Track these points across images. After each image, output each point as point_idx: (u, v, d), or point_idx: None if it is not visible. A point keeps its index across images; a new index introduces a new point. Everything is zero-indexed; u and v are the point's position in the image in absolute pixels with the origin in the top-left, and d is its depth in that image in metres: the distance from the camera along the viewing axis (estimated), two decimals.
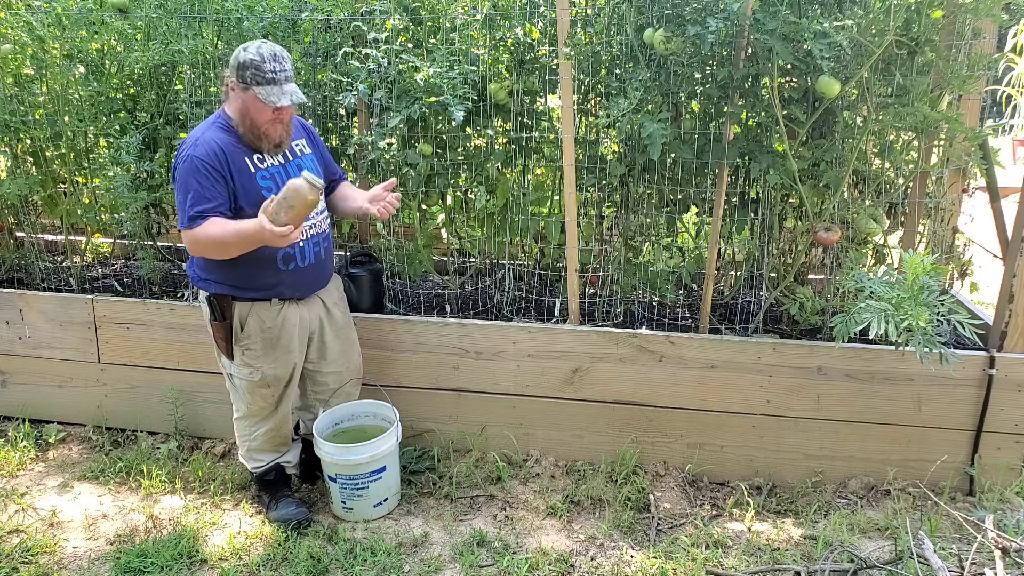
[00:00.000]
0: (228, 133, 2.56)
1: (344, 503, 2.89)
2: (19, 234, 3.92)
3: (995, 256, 3.21)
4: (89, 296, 3.44)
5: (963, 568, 2.13)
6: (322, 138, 2.99)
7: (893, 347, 2.74)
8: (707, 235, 3.18)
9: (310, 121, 3.30)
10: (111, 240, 4.16)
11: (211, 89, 3.33)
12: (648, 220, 3.29)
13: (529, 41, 3.16)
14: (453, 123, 2.91)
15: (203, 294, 2.71)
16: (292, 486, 3.06)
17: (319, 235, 2.74)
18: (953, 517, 2.71)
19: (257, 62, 2.44)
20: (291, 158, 2.69)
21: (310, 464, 3.11)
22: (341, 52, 3.04)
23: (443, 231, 3.63)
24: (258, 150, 2.60)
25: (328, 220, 2.82)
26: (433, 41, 3.12)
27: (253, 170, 2.57)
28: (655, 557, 2.65)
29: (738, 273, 3.49)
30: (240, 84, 2.49)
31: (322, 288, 2.86)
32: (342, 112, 3.39)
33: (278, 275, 2.65)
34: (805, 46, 2.62)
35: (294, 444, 3.02)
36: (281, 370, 2.77)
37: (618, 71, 3.04)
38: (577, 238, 3.10)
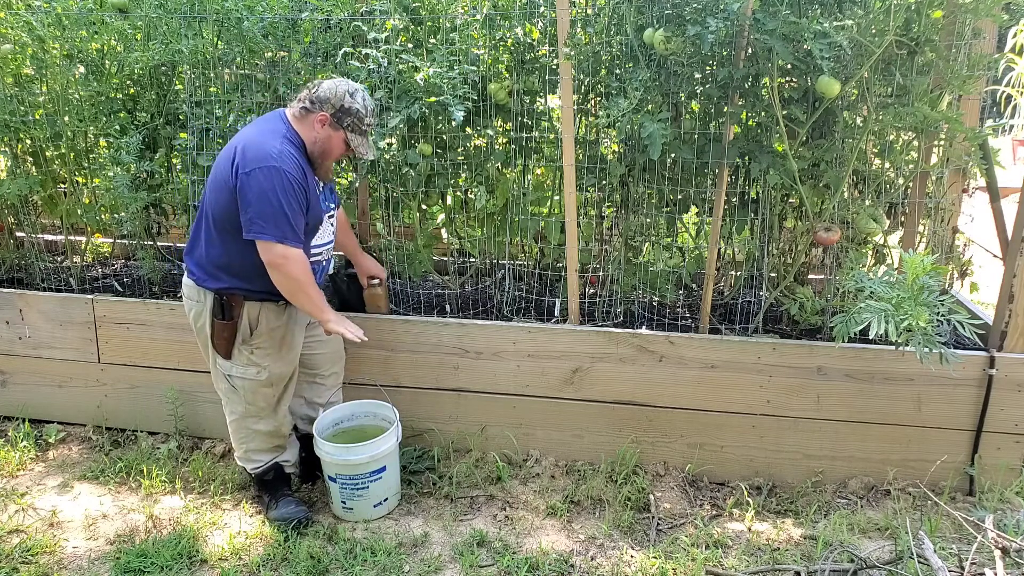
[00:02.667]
0: (301, 152, 2.61)
1: (344, 503, 2.89)
2: (19, 234, 3.92)
3: (995, 256, 3.21)
4: (89, 296, 3.44)
5: (963, 568, 2.13)
6: None
7: (893, 347, 2.74)
8: (707, 235, 3.18)
9: None
10: (111, 240, 4.16)
11: (211, 89, 3.33)
12: (648, 220, 3.29)
13: (529, 41, 3.16)
14: (453, 123, 2.91)
15: (202, 291, 2.71)
16: (292, 485, 3.07)
17: (331, 258, 2.93)
18: (953, 517, 2.71)
19: (362, 114, 2.62)
20: (326, 183, 2.83)
21: (310, 463, 3.11)
22: (341, 52, 3.04)
23: (443, 231, 3.63)
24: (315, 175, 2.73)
25: None
26: (433, 41, 3.12)
27: (317, 192, 2.70)
28: (655, 557, 2.65)
29: (738, 273, 3.49)
30: (334, 122, 2.60)
31: None
32: None
33: None
34: (805, 46, 2.62)
35: (292, 443, 3.03)
36: (286, 368, 2.82)
37: (618, 71, 3.04)
38: (577, 238, 3.10)
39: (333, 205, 2.85)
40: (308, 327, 2.95)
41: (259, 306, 2.70)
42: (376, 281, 3.24)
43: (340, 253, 3.52)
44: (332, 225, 2.84)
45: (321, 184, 2.75)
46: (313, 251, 2.73)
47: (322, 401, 3.07)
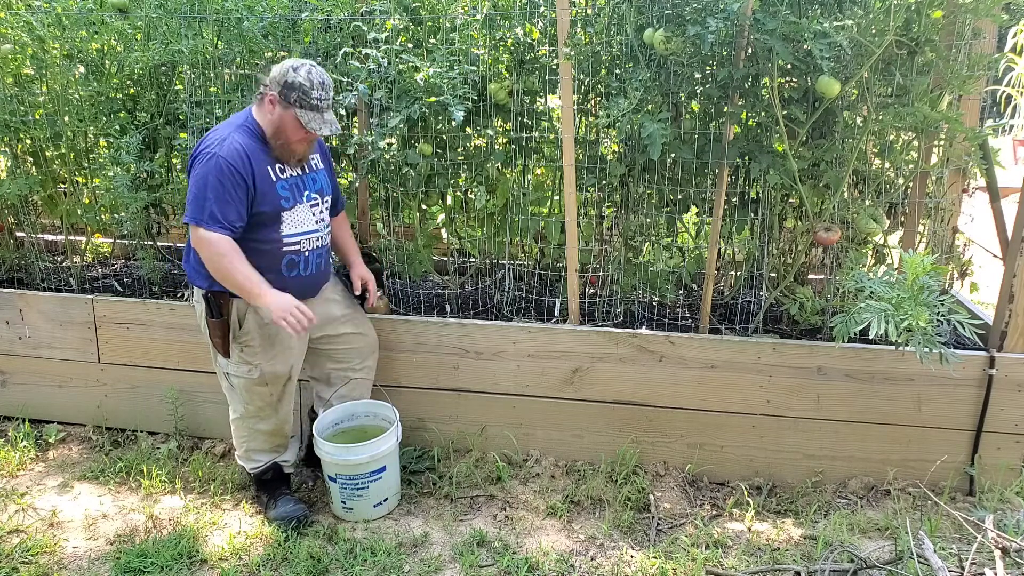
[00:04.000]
0: (254, 139, 2.62)
1: (344, 503, 2.89)
2: (19, 234, 3.91)
3: (995, 256, 3.21)
4: (89, 296, 3.45)
5: (963, 568, 2.13)
6: (322, 138, 3.01)
7: (893, 347, 2.74)
8: (707, 235, 3.18)
9: None
10: (111, 240, 4.15)
11: (211, 89, 3.33)
12: (648, 220, 3.29)
13: (529, 41, 3.16)
14: (453, 123, 2.91)
15: (199, 291, 2.73)
16: (291, 484, 3.06)
17: (322, 248, 2.85)
18: (953, 517, 2.71)
19: (306, 87, 2.53)
20: (307, 171, 2.78)
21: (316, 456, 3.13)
22: (341, 52, 3.04)
23: (443, 231, 3.63)
24: (280, 161, 2.67)
25: (329, 234, 2.90)
26: (433, 41, 3.12)
27: (274, 179, 2.65)
28: (655, 557, 2.65)
29: (738, 273, 3.49)
30: (282, 101, 2.55)
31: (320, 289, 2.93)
32: (342, 112, 3.39)
33: (280, 279, 2.69)
34: (805, 46, 2.62)
35: (292, 442, 3.03)
36: (280, 367, 2.79)
37: (618, 71, 3.04)
38: (577, 238, 3.10)
39: (314, 194, 2.76)
40: (334, 323, 2.93)
41: (246, 304, 2.69)
42: (378, 293, 3.25)
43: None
44: (315, 215, 2.77)
45: (293, 170, 2.69)
46: (286, 240, 2.69)
47: (356, 396, 3.06)
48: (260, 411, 2.83)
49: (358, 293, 3.05)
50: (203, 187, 2.50)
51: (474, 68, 3.04)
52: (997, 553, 2.04)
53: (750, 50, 2.81)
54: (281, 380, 2.82)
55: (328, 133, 2.61)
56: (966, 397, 2.89)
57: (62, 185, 3.77)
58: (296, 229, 2.71)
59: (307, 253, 2.76)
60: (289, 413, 2.92)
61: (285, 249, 2.70)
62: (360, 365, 3.06)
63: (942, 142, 3.04)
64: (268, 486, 2.95)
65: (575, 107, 3.05)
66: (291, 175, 2.70)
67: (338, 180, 3.16)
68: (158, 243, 3.83)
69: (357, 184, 3.39)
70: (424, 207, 3.49)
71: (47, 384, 3.58)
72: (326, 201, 2.85)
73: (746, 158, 2.98)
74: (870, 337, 2.41)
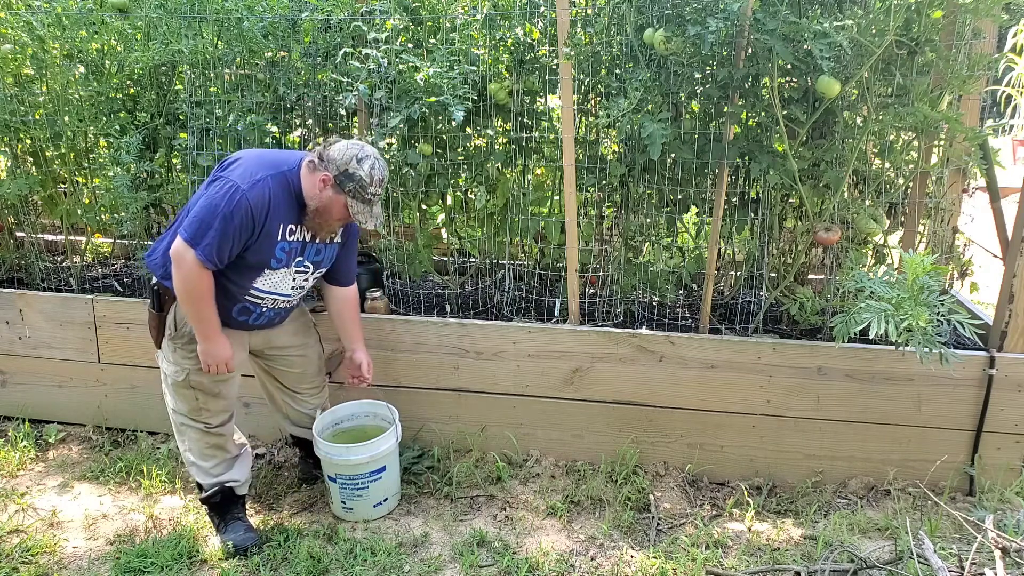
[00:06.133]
0: (287, 194, 2.50)
1: (344, 503, 2.89)
2: (19, 234, 3.91)
3: (995, 256, 3.21)
4: (89, 296, 3.44)
5: (963, 568, 2.13)
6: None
7: (893, 347, 2.74)
8: (707, 235, 3.18)
9: (310, 122, 3.31)
10: (111, 240, 4.16)
11: (211, 89, 3.33)
12: (648, 220, 3.29)
13: (529, 41, 3.17)
14: (453, 123, 2.91)
15: (154, 279, 2.63)
16: (245, 506, 2.89)
17: (286, 308, 2.75)
18: (953, 517, 2.71)
19: (365, 183, 2.48)
20: (318, 241, 2.65)
21: (310, 464, 3.12)
22: (341, 52, 3.04)
23: (443, 231, 3.63)
24: (303, 225, 2.57)
25: (300, 298, 2.78)
26: (433, 41, 3.12)
27: (278, 238, 2.52)
28: (655, 557, 2.65)
29: (738, 273, 3.49)
30: (336, 185, 2.48)
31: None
32: (342, 112, 3.39)
33: (226, 315, 2.60)
34: (805, 46, 2.62)
35: (240, 460, 2.84)
36: (207, 379, 2.65)
37: (618, 71, 3.05)
38: (577, 238, 3.10)
39: (308, 263, 2.65)
40: (274, 348, 2.84)
41: None
42: (377, 293, 3.25)
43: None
44: (294, 281, 2.65)
45: (304, 236, 2.59)
46: (253, 291, 2.58)
47: (305, 411, 3.00)
48: (189, 412, 2.70)
49: (357, 376, 2.96)
50: (213, 215, 2.37)
51: (474, 68, 3.04)
52: (997, 553, 2.04)
53: (750, 50, 2.81)
54: (209, 392, 2.67)
55: (372, 227, 2.57)
56: (966, 397, 2.89)
57: (62, 185, 3.77)
58: (268, 288, 2.60)
59: (265, 309, 2.66)
60: (224, 425, 2.76)
61: (247, 297, 2.59)
62: (306, 387, 2.97)
63: (942, 142, 3.04)
64: (218, 508, 2.80)
65: (575, 107, 3.05)
66: (297, 239, 2.57)
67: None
68: None
69: None
70: (424, 207, 3.50)
71: (47, 384, 3.58)
72: (317, 273, 2.73)
73: (746, 158, 2.98)
74: (870, 337, 2.41)
